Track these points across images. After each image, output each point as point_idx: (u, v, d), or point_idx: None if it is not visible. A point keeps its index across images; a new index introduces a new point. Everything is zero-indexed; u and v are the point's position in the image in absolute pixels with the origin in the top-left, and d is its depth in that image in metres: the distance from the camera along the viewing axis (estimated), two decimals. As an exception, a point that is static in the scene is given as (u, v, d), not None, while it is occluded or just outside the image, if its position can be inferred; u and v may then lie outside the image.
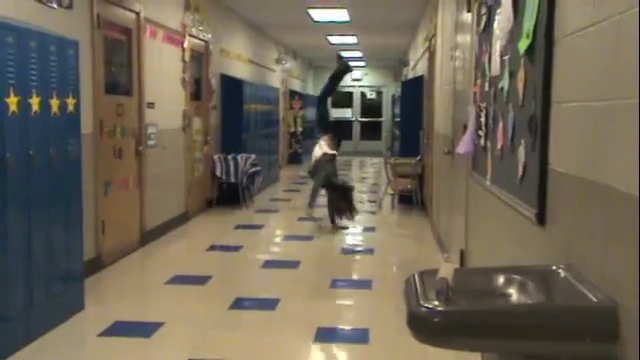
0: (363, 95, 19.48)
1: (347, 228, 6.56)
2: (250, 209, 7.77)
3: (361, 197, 8.96)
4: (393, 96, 14.55)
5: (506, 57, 2.56)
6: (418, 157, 7.84)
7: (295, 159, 13.88)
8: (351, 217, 6.58)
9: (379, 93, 19.44)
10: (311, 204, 6.70)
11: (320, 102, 7.20)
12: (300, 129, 13.95)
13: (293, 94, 14.02)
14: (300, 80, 16.38)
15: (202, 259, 5.27)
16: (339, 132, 7.06)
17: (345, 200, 6.56)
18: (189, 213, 6.89)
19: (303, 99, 14.25)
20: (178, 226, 6.51)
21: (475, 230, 3.65)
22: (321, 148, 6.78)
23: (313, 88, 19.15)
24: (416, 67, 10.32)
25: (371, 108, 19.33)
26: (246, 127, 8.41)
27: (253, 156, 7.91)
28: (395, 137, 11.67)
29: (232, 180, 7.67)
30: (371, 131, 19.35)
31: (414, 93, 8.24)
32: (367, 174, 12.50)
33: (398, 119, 9.89)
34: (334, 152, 6.77)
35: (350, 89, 19.42)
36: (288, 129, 13.76)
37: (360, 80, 19.27)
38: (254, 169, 7.86)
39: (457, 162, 4.48)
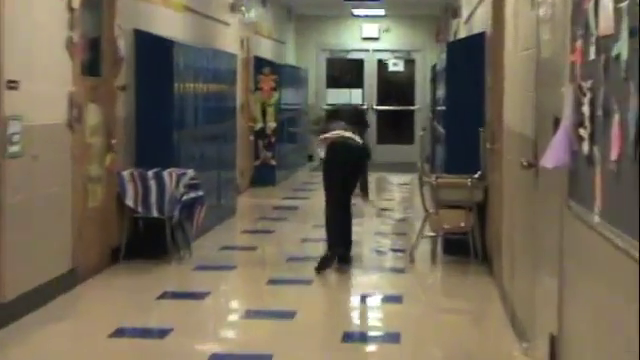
0: (382, 66, 19.66)
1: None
2: (186, 264, 7.81)
3: (380, 243, 9.05)
4: (434, 68, 14.66)
5: (624, 3, 2.57)
6: (477, 174, 7.90)
7: (264, 177, 13.99)
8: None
9: (409, 63, 19.64)
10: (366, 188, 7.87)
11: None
12: (273, 125, 14.07)
13: (261, 64, 14.15)
14: (273, 41, 16.49)
15: (101, 355, 5.27)
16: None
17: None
18: (80, 272, 6.87)
19: (279, 73, 14.37)
20: (60, 295, 6.48)
21: (576, 301, 3.64)
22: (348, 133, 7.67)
23: (296, 54, 19.28)
24: (472, 19, 10.40)
25: (396, 89, 19.52)
26: (179, 122, 8.42)
27: (190, 172, 7.93)
28: (438, 139, 11.72)
29: (154, 214, 7.69)
30: (396, 128, 19.51)
31: (469, 64, 8.31)
32: (390, 203, 12.57)
33: (442, 108, 9.93)
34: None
35: (359, 54, 19.56)
36: (252, 125, 13.87)
37: (376, 40, 19.39)
38: (192, 195, 7.89)
39: (544, 182, 4.50)
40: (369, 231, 9.75)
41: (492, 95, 7.44)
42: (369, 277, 7.60)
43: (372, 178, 13.67)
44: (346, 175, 7.65)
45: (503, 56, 6.65)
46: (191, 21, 10.19)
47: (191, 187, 7.86)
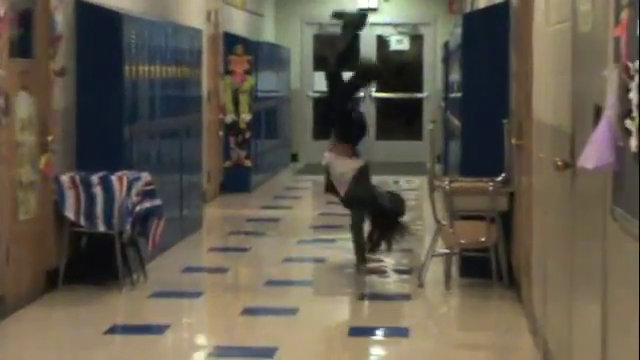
0: (382, 43, 19.70)
1: (385, 273, 8.62)
2: (140, 290, 7.82)
3: (381, 263, 9.03)
4: (446, 46, 14.69)
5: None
6: (501, 177, 7.94)
7: (237, 181, 14.01)
8: (390, 246, 8.82)
9: (416, 39, 19.69)
10: (363, 258, 8.56)
11: (331, 82, 8.99)
12: (247, 117, 14.08)
13: (233, 42, 14.18)
14: (248, 13, 16.49)
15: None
16: (345, 126, 8.85)
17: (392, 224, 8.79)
18: (8, 301, 6.84)
19: (254, 52, 14.40)
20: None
21: (623, 333, 3.64)
22: (340, 164, 8.61)
23: (276, 30, 19.25)
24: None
25: (400, 72, 19.48)
26: (131, 115, 8.43)
27: (145, 177, 7.95)
28: (451, 133, 11.74)
29: (100, 228, 7.69)
30: (400, 121, 19.48)
31: (490, 40, 8.33)
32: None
33: (457, 95, 9.94)
34: (360, 161, 8.65)
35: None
36: (222, 118, 13.89)
37: (375, 11, 19.38)
38: (148, 204, 7.91)
39: (583, 186, 4.51)
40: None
41: (518, 79, 7.44)
42: (368, 306, 7.61)
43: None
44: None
45: (532, 31, 6.67)
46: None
47: (146, 195, 7.85)
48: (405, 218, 8.90)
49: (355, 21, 9.34)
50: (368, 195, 8.59)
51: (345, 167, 8.55)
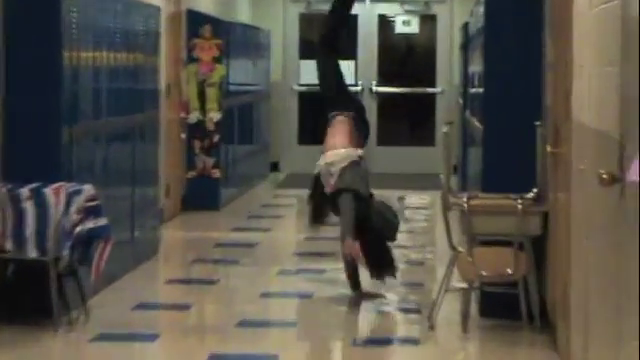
0: (386, 25, 19.75)
1: (384, 298, 8.98)
2: (80, 331, 7.81)
3: (385, 300, 9.08)
4: (465, 29, 14.71)
5: None
6: (532, 193, 7.97)
7: (203, 196, 14.04)
8: (393, 274, 9.04)
9: (427, 20, 19.75)
10: (356, 284, 8.93)
11: (322, 52, 9.50)
12: (216, 116, 14.12)
13: (198, 22, 14.20)
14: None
15: None
16: (363, 114, 9.45)
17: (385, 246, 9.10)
18: None
19: (225, 35, 14.45)
20: None
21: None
22: (335, 145, 9.02)
23: (253, 7, 19.26)
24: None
25: (407, 61, 19.52)
26: (70, 113, 8.43)
27: (88, 190, 7.96)
28: (471, 138, 11.73)
29: (31, 254, 7.70)
30: (407, 122, 19.50)
31: (520, 23, 8.37)
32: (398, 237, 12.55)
33: (478, 90, 9.96)
34: (359, 152, 9.02)
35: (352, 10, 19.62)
36: (185, 117, 13.92)
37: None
38: (91, 225, 7.90)
39: (634, 205, 4.50)
40: (369, 280, 9.73)
41: (555, 71, 7.46)
42: (365, 353, 7.61)
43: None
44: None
45: (572, 12, 6.68)
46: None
47: (89, 212, 7.85)
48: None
49: None
50: (361, 189, 8.84)
51: (337, 156, 8.94)
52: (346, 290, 8.65)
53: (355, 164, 8.84)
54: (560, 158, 7.18)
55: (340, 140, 8.93)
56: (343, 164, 8.71)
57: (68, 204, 7.70)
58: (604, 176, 4.91)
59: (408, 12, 19.51)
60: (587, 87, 6.07)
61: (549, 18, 7.91)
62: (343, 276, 8.72)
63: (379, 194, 13.46)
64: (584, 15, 6.21)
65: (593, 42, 5.84)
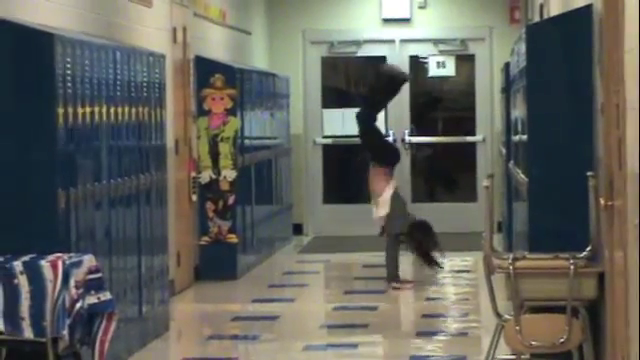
0: (418, 67, 19.82)
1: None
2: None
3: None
4: (506, 69, 14.72)
5: None
6: (585, 252, 7.96)
7: (218, 264, 14.12)
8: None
9: (465, 61, 19.83)
10: (395, 272, 12.41)
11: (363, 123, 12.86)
12: (231, 174, 14.17)
13: (209, 70, 14.29)
14: (229, 29, 16.59)
15: None
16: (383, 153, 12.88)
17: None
18: None
19: (239, 84, 14.55)
20: None
21: None
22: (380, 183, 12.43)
23: (270, 52, 19.33)
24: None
25: (443, 107, 19.58)
26: (68, 175, 8.48)
27: (88, 261, 7.98)
28: (516, 192, 11.71)
29: (26, 334, 7.68)
30: (444, 175, 19.53)
31: (567, 62, 8.39)
32: (435, 304, 12.68)
33: (521, 137, 9.92)
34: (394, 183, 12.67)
35: (378, 48, 19.77)
36: (196, 176, 13.97)
37: (407, 22, 19.52)
38: (93, 300, 7.91)
39: None
40: (403, 354, 9.72)
41: (607, 115, 7.42)
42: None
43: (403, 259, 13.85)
44: None
45: (623, 49, 6.64)
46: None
47: (90, 286, 7.86)
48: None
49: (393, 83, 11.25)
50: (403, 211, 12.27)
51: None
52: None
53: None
54: (615, 212, 7.14)
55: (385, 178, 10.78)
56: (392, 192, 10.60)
57: (66, 277, 7.69)
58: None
59: (443, 52, 19.52)
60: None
61: (598, 56, 7.89)
62: (378, 350, 8.64)
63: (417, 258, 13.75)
64: (636, 52, 6.17)
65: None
